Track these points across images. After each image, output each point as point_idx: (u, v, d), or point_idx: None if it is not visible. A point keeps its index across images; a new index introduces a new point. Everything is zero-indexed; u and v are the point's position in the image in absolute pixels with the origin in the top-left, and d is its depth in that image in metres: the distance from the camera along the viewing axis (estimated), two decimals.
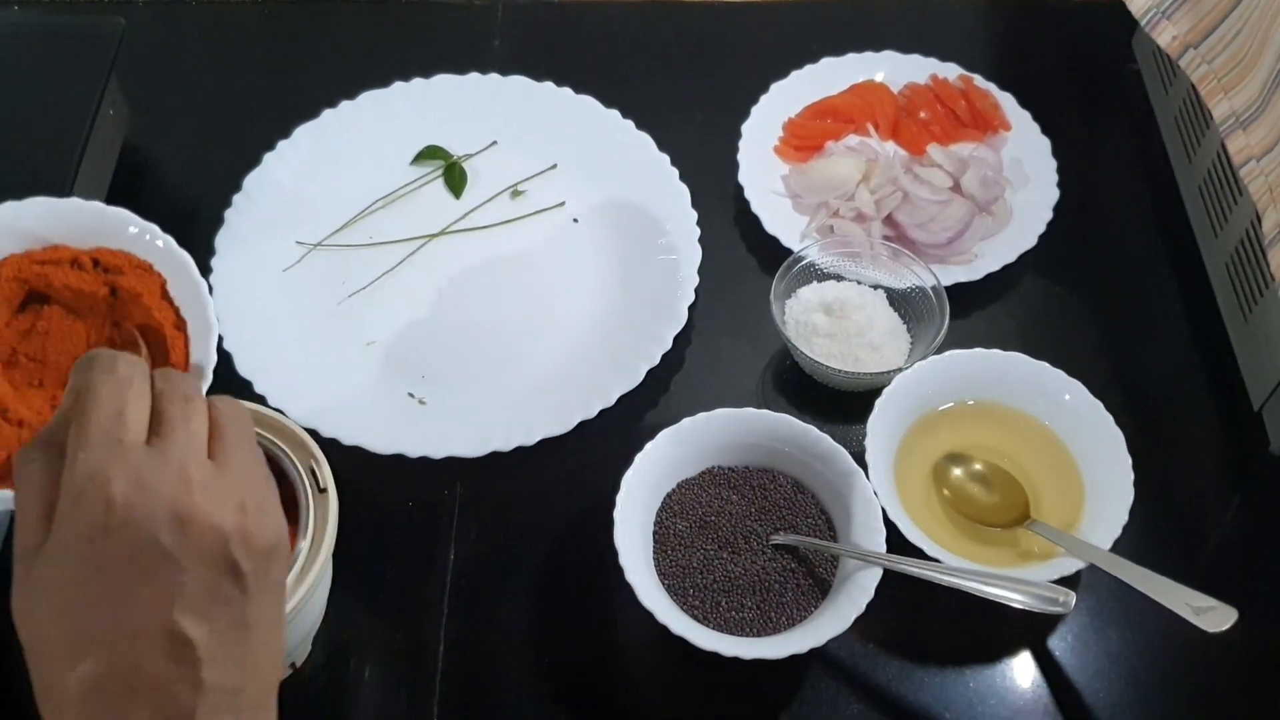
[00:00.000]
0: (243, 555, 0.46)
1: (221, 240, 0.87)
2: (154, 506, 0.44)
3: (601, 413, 0.79)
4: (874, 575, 0.67)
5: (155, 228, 0.58)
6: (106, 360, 0.46)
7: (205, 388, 0.59)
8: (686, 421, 0.73)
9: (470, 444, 0.77)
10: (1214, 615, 0.63)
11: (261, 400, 0.77)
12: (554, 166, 0.94)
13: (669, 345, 0.82)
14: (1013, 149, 0.94)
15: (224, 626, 0.45)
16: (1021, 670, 0.71)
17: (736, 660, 0.65)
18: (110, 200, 0.90)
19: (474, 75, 0.98)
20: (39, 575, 0.44)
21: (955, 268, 0.86)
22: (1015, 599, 0.65)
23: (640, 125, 0.94)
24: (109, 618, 0.44)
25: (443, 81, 0.98)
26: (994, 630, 0.73)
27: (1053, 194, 0.90)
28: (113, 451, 0.44)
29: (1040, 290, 0.89)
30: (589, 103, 0.96)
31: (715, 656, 0.65)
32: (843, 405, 0.81)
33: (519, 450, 0.78)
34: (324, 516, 0.66)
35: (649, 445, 0.72)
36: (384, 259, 0.89)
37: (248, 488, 0.47)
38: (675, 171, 0.91)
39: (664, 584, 0.70)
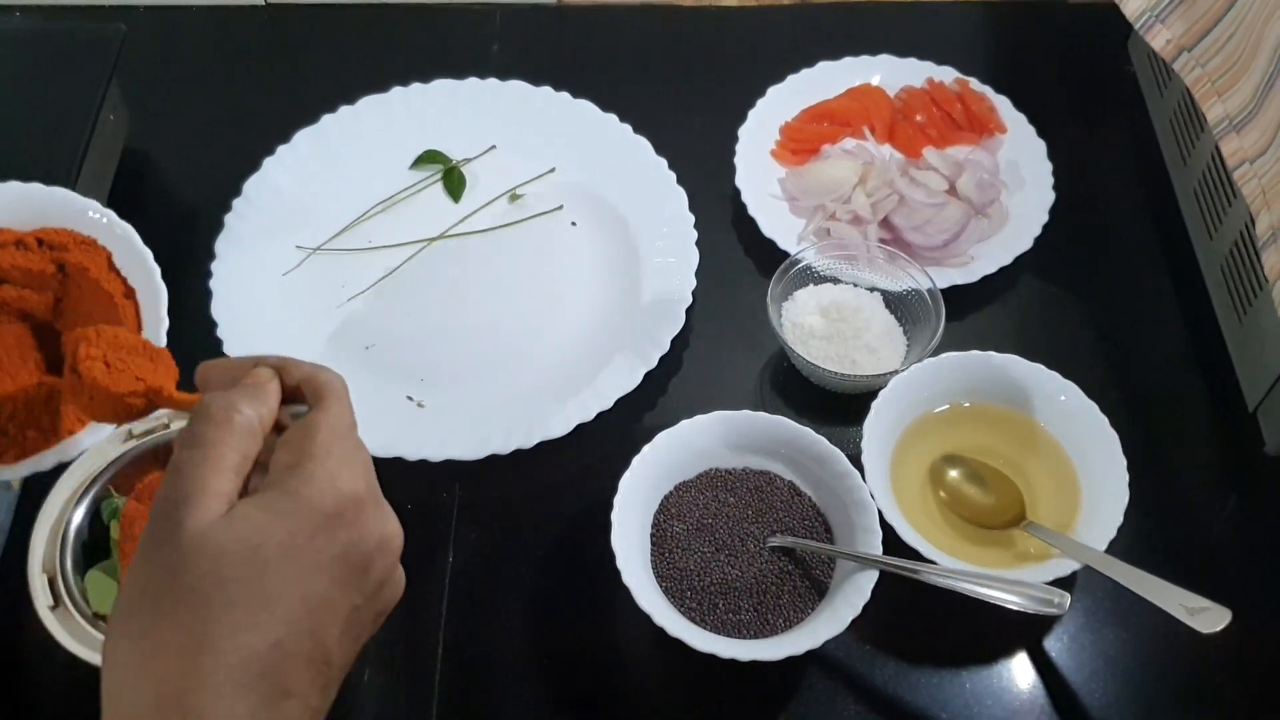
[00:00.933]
0: (383, 611, 0.49)
1: (221, 244, 0.87)
2: (377, 526, 0.47)
3: (599, 415, 0.79)
4: (870, 577, 0.67)
5: (95, 204, 0.59)
6: (341, 379, 0.51)
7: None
8: (684, 424, 0.73)
9: (469, 447, 0.78)
10: (1208, 616, 0.64)
11: None
12: (552, 170, 0.94)
13: (666, 348, 0.82)
14: (1008, 152, 0.94)
15: (339, 667, 0.47)
16: (1018, 671, 0.72)
17: (734, 662, 0.65)
18: (111, 205, 0.91)
19: (472, 79, 0.98)
20: (246, 518, 0.44)
21: (951, 270, 0.86)
22: (1011, 600, 0.65)
23: (638, 129, 0.94)
24: (298, 598, 0.44)
25: (441, 86, 0.98)
26: (990, 631, 0.73)
27: (1048, 196, 0.90)
28: (359, 456, 0.48)
29: (1036, 292, 0.89)
30: (587, 107, 0.96)
31: (712, 658, 0.65)
32: (839, 407, 0.81)
33: (517, 453, 0.78)
34: None
35: (646, 448, 0.72)
36: (383, 263, 0.89)
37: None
38: (673, 175, 0.92)
39: (661, 586, 0.70)
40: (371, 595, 0.48)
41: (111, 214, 0.60)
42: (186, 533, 0.43)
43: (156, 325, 0.62)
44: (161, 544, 0.44)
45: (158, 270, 0.62)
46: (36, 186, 0.61)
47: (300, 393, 0.51)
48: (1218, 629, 0.63)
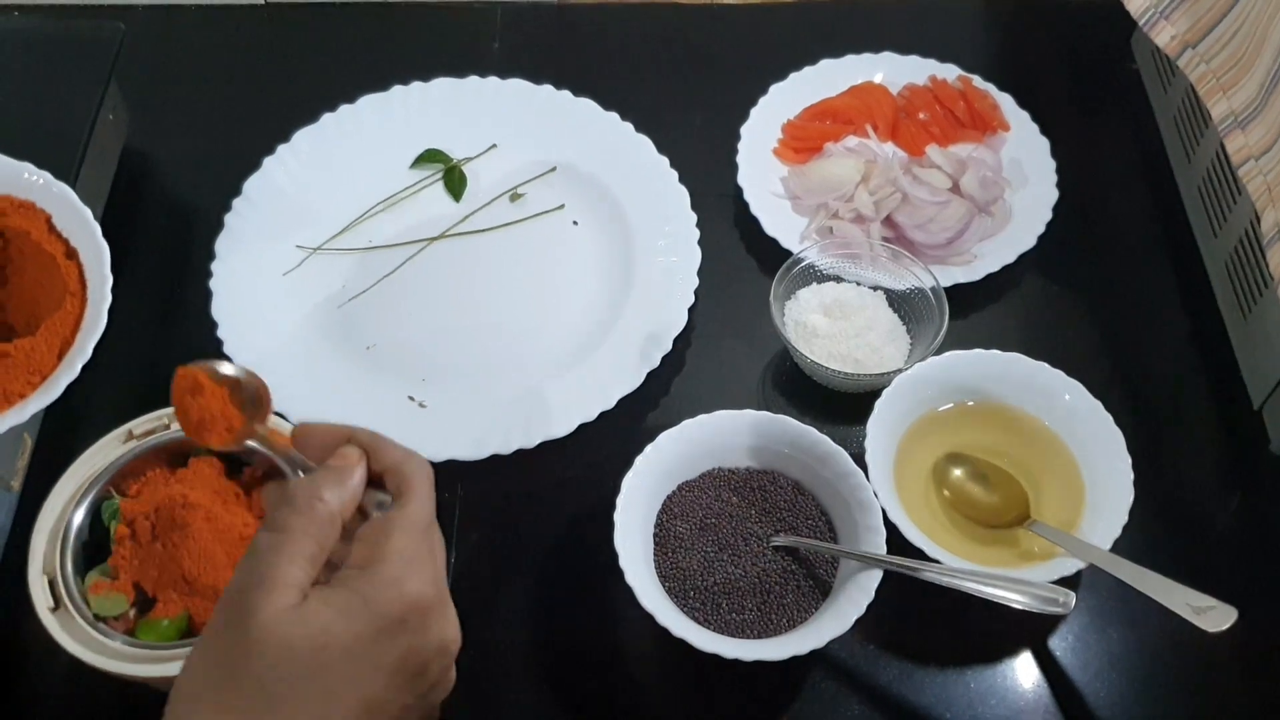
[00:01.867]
0: (432, 707, 0.51)
1: (222, 244, 0.87)
2: (438, 631, 0.48)
3: (601, 415, 0.79)
4: (874, 577, 0.67)
5: (30, 165, 0.59)
6: (427, 471, 0.53)
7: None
8: (687, 423, 0.73)
9: (470, 447, 0.78)
10: (1214, 615, 0.63)
11: None
12: (553, 169, 0.94)
13: (669, 347, 0.82)
14: (1012, 149, 0.94)
15: None
16: (1022, 670, 0.71)
17: (737, 662, 0.65)
18: (110, 204, 0.91)
19: (473, 78, 0.98)
20: (316, 615, 0.46)
21: (954, 268, 0.86)
22: (1016, 599, 0.65)
23: (639, 128, 0.94)
24: (356, 699, 0.46)
25: (442, 85, 0.98)
26: (995, 631, 0.73)
27: (1052, 194, 0.90)
28: (427, 559, 0.49)
29: (1040, 290, 0.89)
30: (588, 105, 0.96)
31: (716, 658, 0.65)
32: (842, 406, 0.81)
33: (519, 453, 0.78)
34: None
35: (649, 447, 0.72)
36: (384, 262, 0.89)
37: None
38: (674, 174, 0.91)
39: (664, 586, 0.70)
40: (424, 695, 0.49)
41: (47, 175, 0.60)
42: (257, 621, 0.45)
43: (101, 284, 0.62)
44: (232, 626, 0.45)
45: (98, 229, 0.61)
46: None
47: (385, 478, 0.52)
48: (1224, 628, 0.63)
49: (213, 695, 0.45)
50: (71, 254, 0.61)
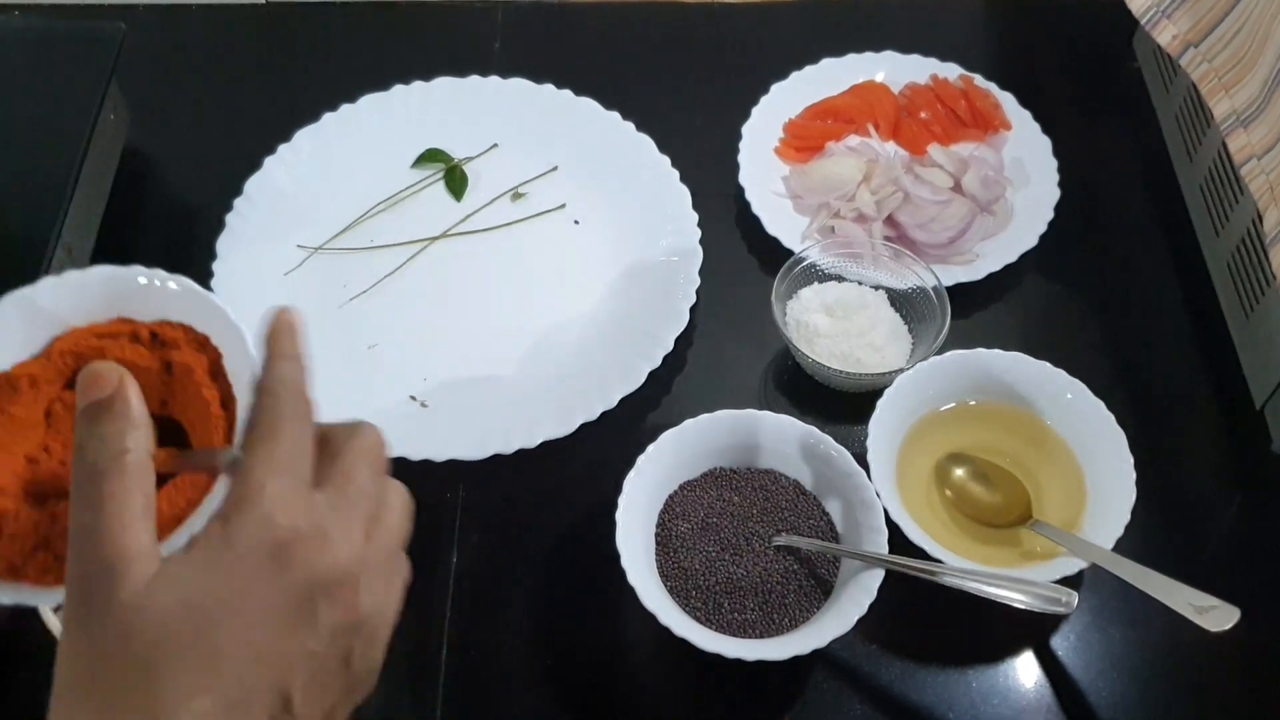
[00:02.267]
0: (359, 655, 0.45)
1: (222, 244, 0.87)
2: (319, 561, 0.43)
3: (603, 414, 0.79)
4: (876, 576, 0.67)
5: (215, 298, 0.55)
6: (298, 397, 0.46)
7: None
8: (688, 423, 0.73)
9: (472, 447, 0.78)
10: (1216, 614, 0.63)
11: None
12: (555, 169, 0.94)
13: (670, 347, 0.82)
14: (1013, 148, 0.94)
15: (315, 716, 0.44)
16: (1024, 670, 0.71)
17: (739, 662, 0.65)
18: (111, 204, 0.91)
19: (474, 78, 0.98)
20: (178, 577, 0.42)
21: (956, 268, 0.86)
22: (1018, 599, 0.65)
23: (641, 127, 0.94)
24: (248, 653, 0.41)
25: (443, 84, 0.98)
26: (997, 630, 0.73)
27: (1054, 193, 0.90)
28: (299, 491, 0.44)
29: (1041, 290, 0.89)
30: (589, 105, 0.96)
31: (718, 658, 0.65)
32: (844, 406, 0.81)
33: (521, 453, 0.78)
34: None
35: (651, 447, 0.72)
36: (385, 262, 0.89)
37: (392, 590, 0.47)
38: (676, 173, 0.91)
39: (666, 586, 0.70)
40: (330, 640, 0.43)
41: (227, 311, 0.55)
42: (119, 604, 0.41)
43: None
44: (92, 621, 0.41)
45: (258, 375, 0.54)
46: (159, 274, 0.55)
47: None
48: (1226, 628, 0.63)
49: (92, 695, 0.41)
50: (227, 402, 0.55)
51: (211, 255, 0.86)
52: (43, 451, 0.53)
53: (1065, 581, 0.67)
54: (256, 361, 0.52)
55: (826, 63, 0.98)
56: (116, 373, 0.46)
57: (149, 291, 0.55)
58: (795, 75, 0.97)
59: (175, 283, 0.54)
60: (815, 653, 0.65)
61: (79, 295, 0.54)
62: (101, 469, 0.43)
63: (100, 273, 0.54)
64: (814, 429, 0.73)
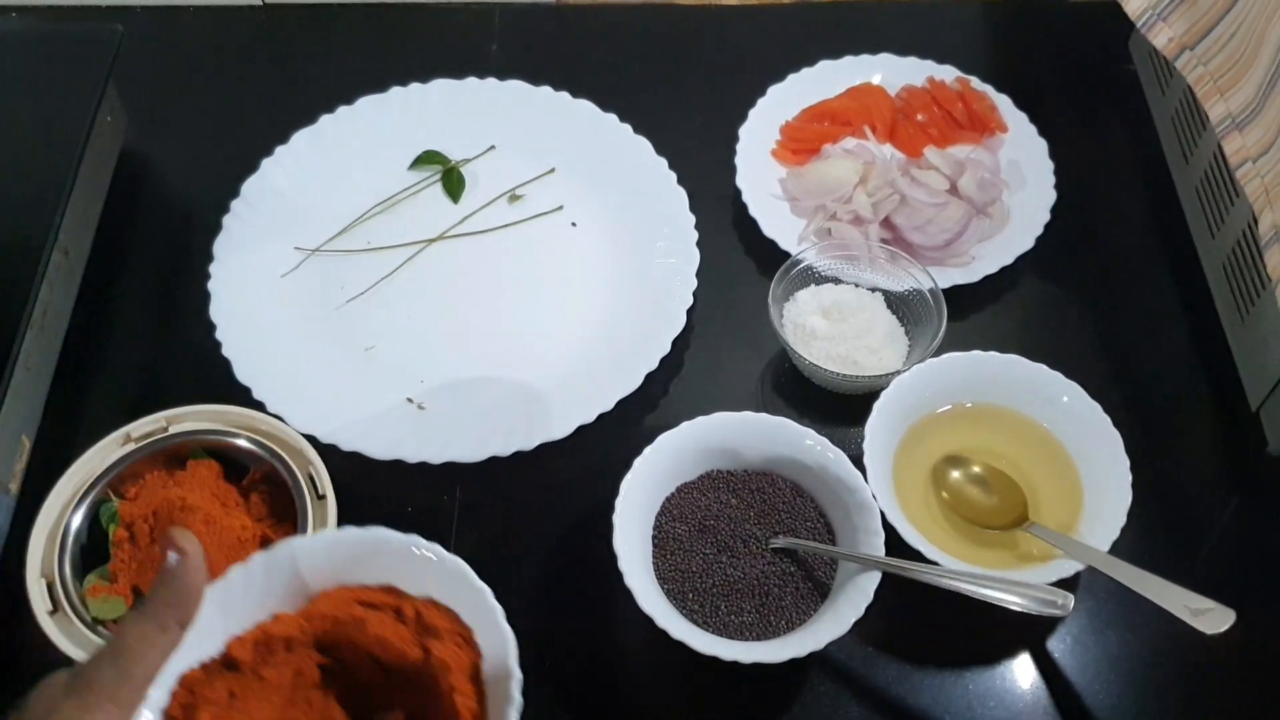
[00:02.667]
0: None
1: (220, 246, 0.87)
2: None
3: (600, 417, 0.79)
4: (873, 579, 0.67)
5: (490, 596, 0.53)
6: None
7: None
8: (685, 425, 0.73)
9: (469, 449, 0.78)
10: (1212, 617, 0.63)
11: (260, 407, 0.77)
12: (552, 170, 0.94)
13: (667, 349, 0.82)
14: (1010, 151, 0.94)
15: None
16: (1021, 672, 0.72)
17: (736, 664, 0.65)
18: (108, 206, 0.91)
19: (472, 80, 0.98)
20: None
21: (953, 270, 0.86)
22: (1014, 601, 0.65)
23: (638, 129, 0.94)
24: None
25: (440, 86, 0.98)
26: (993, 632, 0.73)
27: (1050, 196, 0.90)
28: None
29: (1038, 292, 0.89)
30: (587, 107, 0.96)
31: (714, 660, 0.65)
32: (841, 408, 0.81)
33: (518, 455, 0.78)
34: (323, 523, 0.66)
35: (648, 449, 0.72)
36: (382, 264, 0.89)
37: None
38: (673, 175, 0.91)
39: (663, 588, 0.70)
40: None
41: (499, 610, 0.53)
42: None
43: None
44: None
45: (519, 702, 0.51)
46: (437, 549, 0.54)
47: None
48: (1222, 630, 0.63)
49: None
50: (479, 715, 0.51)
51: (209, 257, 0.86)
52: None
53: (1062, 584, 0.67)
54: (517, 673, 0.50)
55: (823, 65, 0.98)
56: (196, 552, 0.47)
57: (421, 563, 0.54)
58: (792, 77, 0.97)
59: (451, 564, 0.53)
60: (812, 655, 0.65)
61: (352, 551, 0.54)
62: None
63: (379, 535, 0.54)
64: (811, 431, 0.73)
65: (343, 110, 0.95)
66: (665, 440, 0.72)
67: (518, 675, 0.50)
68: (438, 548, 0.54)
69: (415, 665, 0.53)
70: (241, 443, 0.71)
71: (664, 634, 0.66)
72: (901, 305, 0.84)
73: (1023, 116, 0.95)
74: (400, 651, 0.53)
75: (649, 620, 0.66)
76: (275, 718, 0.51)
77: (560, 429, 0.78)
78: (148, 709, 0.49)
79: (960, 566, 0.68)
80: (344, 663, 0.54)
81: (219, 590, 0.51)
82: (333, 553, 0.54)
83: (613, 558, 0.67)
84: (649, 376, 0.81)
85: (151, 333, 0.87)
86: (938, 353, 0.77)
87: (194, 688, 0.51)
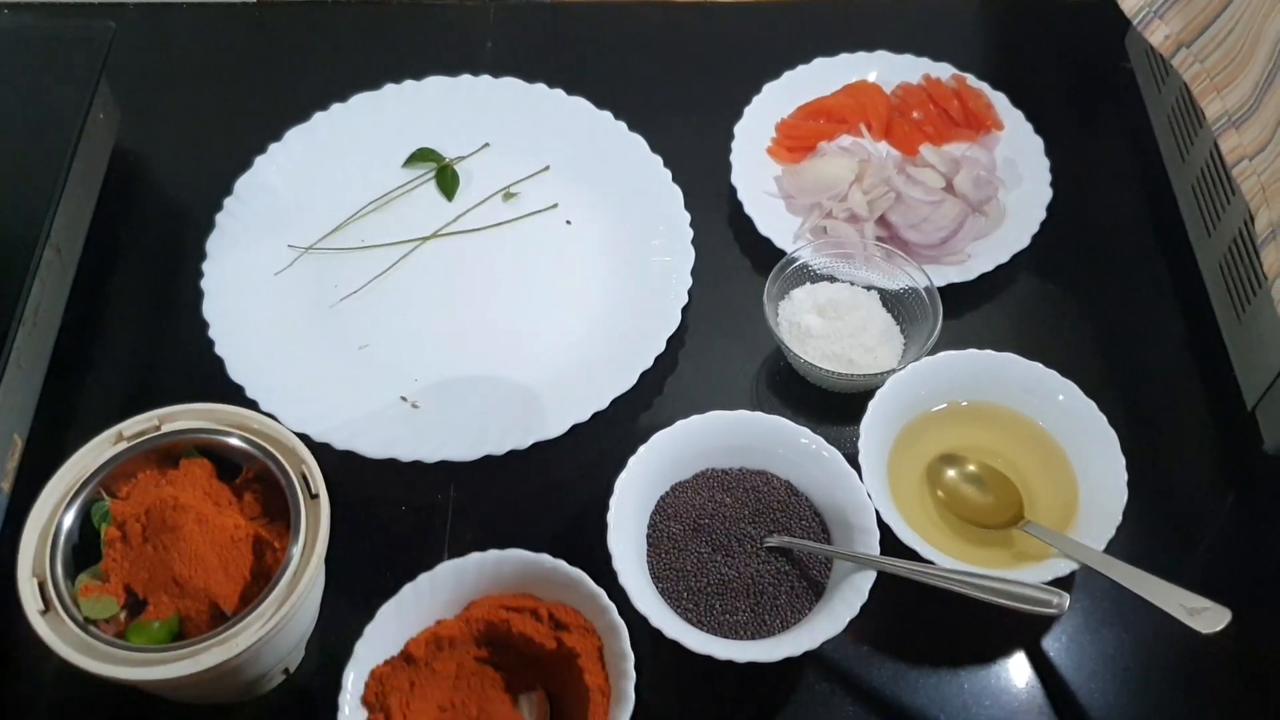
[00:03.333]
0: None
1: (213, 244, 0.87)
2: None
3: (595, 415, 0.79)
4: (868, 578, 0.67)
5: (604, 595, 0.66)
6: None
7: None
8: (680, 424, 0.73)
9: (463, 447, 0.77)
10: (1208, 616, 0.63)
11: (253, 405, 0.77)
12: (547, 168, 0.94)
13: (662, 347, 0.82)
14: (1005, 149, 0.94)
15: None
16: (1016, 671, 0.71)
17: (731, 663, 0.65)
18: (101, 204, 0.90)
19: (466, 77, 0.98)
20: None
21: (948, 268, 0.86)
22: (1009, 602, 0.65)
23: (633, 127, 0.94)
24: None
25: (435, 83, 0.97)
26: (989, 631, 0.73)
27: (1046, 194, 0.90)
28: None
29: (1034, 290, 0.89)
30: (581, 104, 0.96)
31: (709, 659, 0.65)
32: (836, 406, 0.81)
33: (512, 454, 0.78)
34: (316, 522, 0.66)
35: (642, 448, 0.72)
36: (376, 262, 0.88)
37: None
38: (668, 173, 0.91)
39: (657, 587, 0.70)
40: None
41: (613, 608, 0.66)
42: None
43: None
44: None
45: (633, 676, 0.64)
46: (564, 568, 0.67)
47: None
48: (1218, 629, 0.63)
49: None
50: (605, 692, 0.64)
51: (202, 255, 0.86)
52: (450, 706, 0.66)
53: (1057, 583, 0.67)
54: (629, 653, 0.64)
55: (819, 62, 0.98)
56: None
57: (550, 572, 0.67)
58: (788, 75, 0.97)
59: (575, 574, 0.67)
60: (807, 654, 0.65)
61: (497, 569, 0.68)
62: None
63: (516, 555, 0.68)
64: (805, 429, 0.73)
65: (336, 107, 0.95)
66: (660, 439, 0.72)
67: (630, 655, 0.64)
68: (562, 563, 0.67)
69: (551, 654, 0.66)
70: (234, 441, 0.70)
71: (659, 633, 0.65)
72: (897, 303, 0.84)
73: (1019, 114, 0.95)
74: (539, 644, 0.66)
75: (643, 620, 0.66)
76: (445, 699, 0.66)
77: (555, 428, 0.78)
78: (349, 696, 0.63)
79: (956, 565, 0.68)
80: (496, 655, 0.68)
81: (395, 604, 0.66)
82: (480, 570, 0.68)
83: (607, 557, 0.67)
84: (644, 375, 0.81)
85: (144, 331, 0.86)
86: (933, 351, 0.77)
87: (382, 679, 0.65)
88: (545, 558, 0.67)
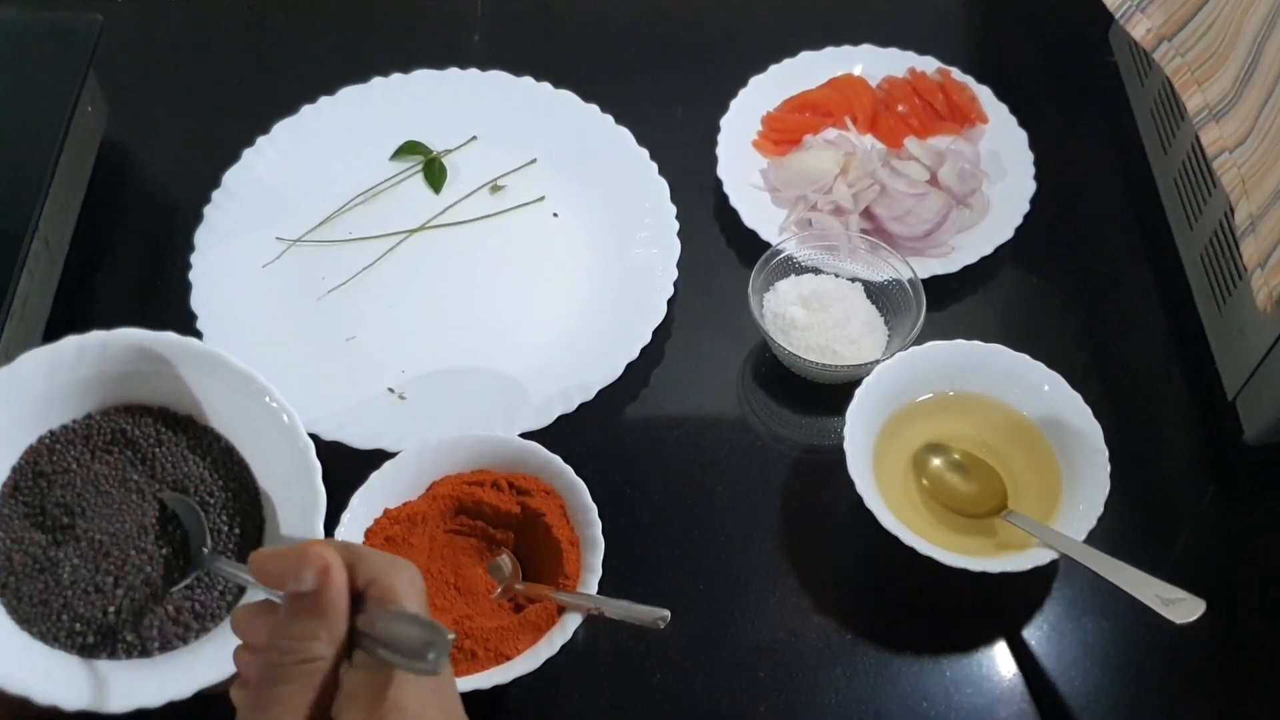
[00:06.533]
0: None
1: (201, 236, 0.87)
2: None
3: (581, 406, 0.79)
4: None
5: (558, 459, 0.71)
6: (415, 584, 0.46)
7: None
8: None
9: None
10: (1183, 606, 0.64)
11: None
12: (534, 161, 0.94)
13: (648, 339, 0.82)
14: (990, 142, 0.94)
15: None
16: (998, 659, 0.72)
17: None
18: (89, 197, 0.90)
19: (454, 70, 0.98)
20: None
21: (932, 260, 0.86)
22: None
23: (619, 120, 0.94)
24: None
25: (422, 76, 0.98)
26: (970, 620, 0.73)
27: (1030, 186, 0.90)
28: (434, 698, 0.45)
29: (1018, 282, 0.89)
30: (568, 97, 0.96)
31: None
32: (821, 398, 0.82)
33: None
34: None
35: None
36: (364, 254, 0.89)
37: None
38: (654, 166, 0.92)
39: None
40: None
41: (570, 470, 0.70)
42: None
43: (589, 573, 0.68)
44: None
45: (599, 524, 0.68)
46: (516, 441, 0.72)
47: (367, 595, 0.46)
48: (1192, 619, 0.63)
49: None
50: (574, 542, 0.69)
51: (190, 247, 0.86)
52: (428, 574, 0.69)
53: (1039, 571, 0.67)
54: (593, 509, 0.68)
55: (804, 56, 0.98)
56: (324, 561, 0.45)
57: (501, 445, 0.72)
58: (773, 68, 0.98)
59: (529, 446, 0.71)
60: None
61: (453, 451, 0.72)
62: (280, 673, 0.44)
63: (472, 435, 0.73)
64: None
65: (324, 100, 0.95)
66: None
67: (593, 507, 0.68)
68: (514, 436, 0.73)
69: (517, 518, 0.70)
70: None
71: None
72: (881, 295, 0.84)
73: (1003, 107, 0.95)
74: (504, 510, 0.70)
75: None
76: (423, 566, 0.69)
77: (541, 419, 0.79)
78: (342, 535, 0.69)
79: (937, 552, 0.69)
80: (464, 527, 0.72)
81: (364, 491, 0.70)
82: (438, 452, 0.72)
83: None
84: (630, 366, 0.81)
85: (132, 323, 0.86)
86: (917, 342, 0.78)
87: (368, 537, 0.70)
88: (498, 434, 0.73)
